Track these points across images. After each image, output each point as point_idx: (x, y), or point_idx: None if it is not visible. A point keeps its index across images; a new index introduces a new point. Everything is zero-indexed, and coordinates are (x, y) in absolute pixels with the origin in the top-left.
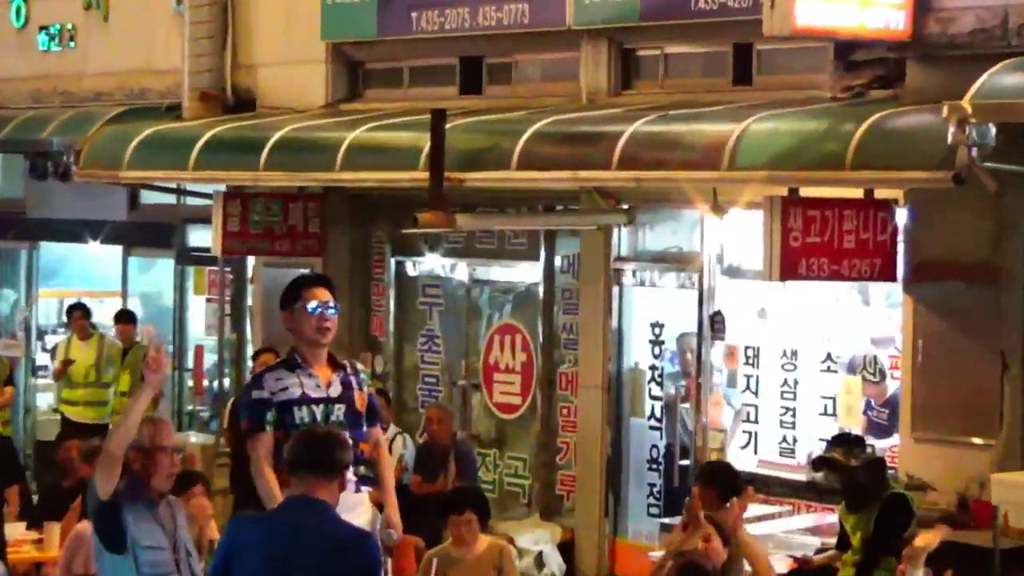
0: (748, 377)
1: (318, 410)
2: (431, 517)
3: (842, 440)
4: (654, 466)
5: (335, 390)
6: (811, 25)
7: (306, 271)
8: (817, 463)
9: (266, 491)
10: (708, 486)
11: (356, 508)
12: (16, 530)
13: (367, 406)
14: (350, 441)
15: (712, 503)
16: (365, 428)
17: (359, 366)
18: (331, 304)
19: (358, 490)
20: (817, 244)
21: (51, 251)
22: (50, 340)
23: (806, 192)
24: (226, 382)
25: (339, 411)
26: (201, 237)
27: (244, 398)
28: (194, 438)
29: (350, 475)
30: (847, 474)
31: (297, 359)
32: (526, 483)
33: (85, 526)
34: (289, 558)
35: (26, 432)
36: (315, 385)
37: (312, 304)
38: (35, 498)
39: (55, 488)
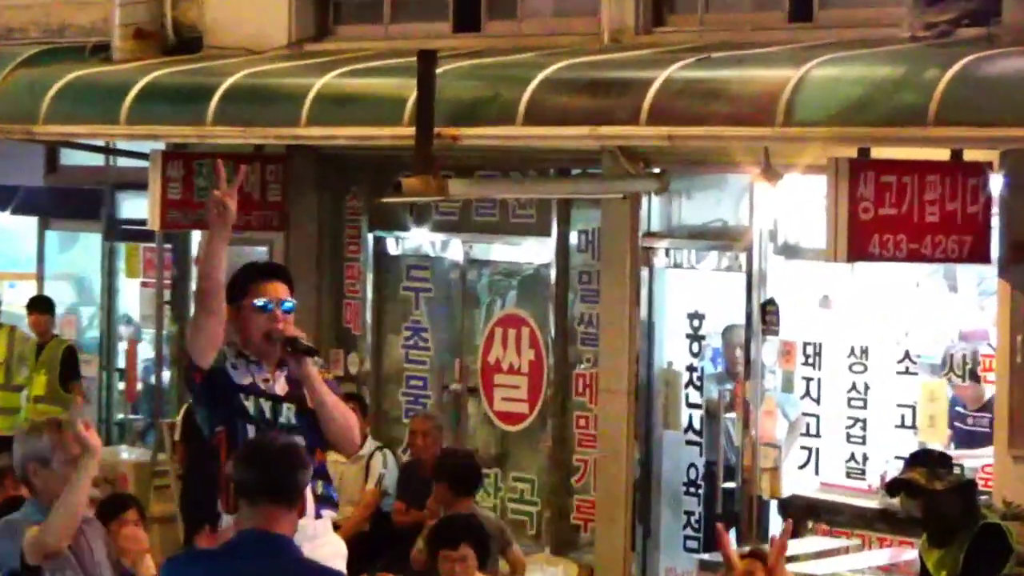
0: (807, 380)
1: (266, 406)
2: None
3: (924, 458)
4: (692, 490)
5: (281, 386)
6: None
7: (263, 251)
8: (893, 486)
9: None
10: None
11: (317, 538)
12: None
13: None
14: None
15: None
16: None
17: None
18: (286, 301)
19: (319, 515)
20: (892, 217)
21: None
22: None
23: (878, 153)
24: (165, 383)
25: (289, 412)
26: (135, 207)
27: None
28: (125, 454)
29: (307, 494)
30: (930, 500)
31: (248, 355)
32: (534, 510)
33: None
34: None
35: None
36: (263, 379)
37: (261, 300)
38: None
39: None
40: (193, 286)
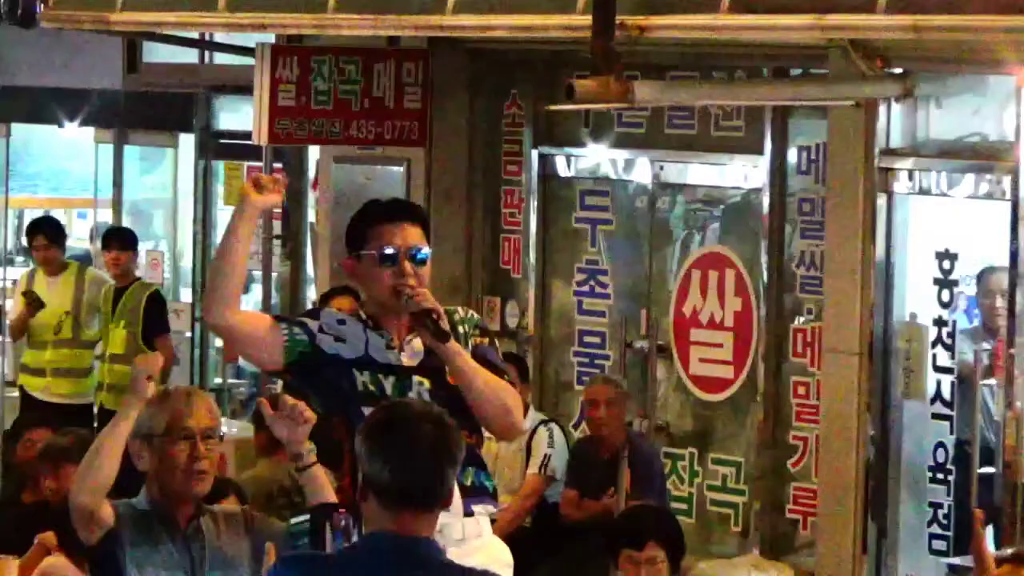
0: None
1: (388, 382)
2: (593, 552)
3: None
4: (940, 476)
5: (409, 354)
6: None
7: (398, 171)
8: None
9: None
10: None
11: (467, 541)
12: None
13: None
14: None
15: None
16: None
17: (472, 312)
18: (419, 249)
19: (469, 512)
20: None
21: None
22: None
23: None
24: None
25: (420, 388)
26: (236, 116)
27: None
28: (224, 428)
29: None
30: None
31: (364, 318)
32: (740, 501)
33: (56, 564)
34: None
35: None
36: (383, 345)
37: (388, 249)
38: None
39: (11, 504)
40: (311, 214)
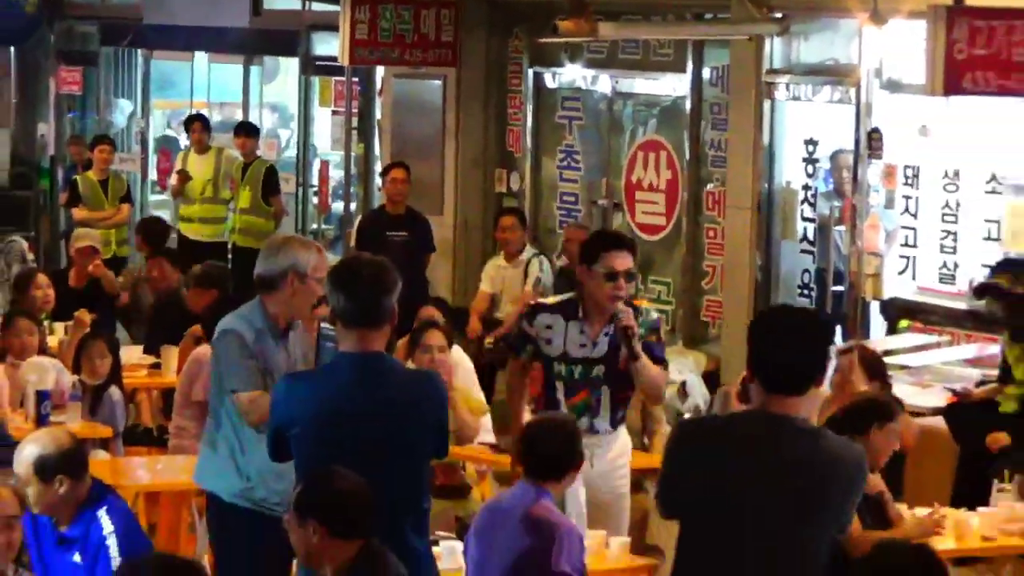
0: (907, 199)
1: (576, 370)
2: None
3: (1008, 265)
4: (805, 292)
5: (600, 350)
6: None
7: (437, 84)
8: (980, 290)
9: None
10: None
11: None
12: (132, 354)
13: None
14: None
15: None
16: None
17: (652, 312)
18: (628, 273)
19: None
20: (983, 56)
21: (167, 59)
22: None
23: (973, 1)
24: (352, 200)
25: (599, 371)
26: (328, 46)
27: (518, 321)
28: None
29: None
30: (1013, 301)
31: (578, 310)
32: (670, 309)
33: (204, 351)
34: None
35: None
36: (580, 344)
37: (610, 272)
38: None
39: (160, 311)
40: (378, 113)
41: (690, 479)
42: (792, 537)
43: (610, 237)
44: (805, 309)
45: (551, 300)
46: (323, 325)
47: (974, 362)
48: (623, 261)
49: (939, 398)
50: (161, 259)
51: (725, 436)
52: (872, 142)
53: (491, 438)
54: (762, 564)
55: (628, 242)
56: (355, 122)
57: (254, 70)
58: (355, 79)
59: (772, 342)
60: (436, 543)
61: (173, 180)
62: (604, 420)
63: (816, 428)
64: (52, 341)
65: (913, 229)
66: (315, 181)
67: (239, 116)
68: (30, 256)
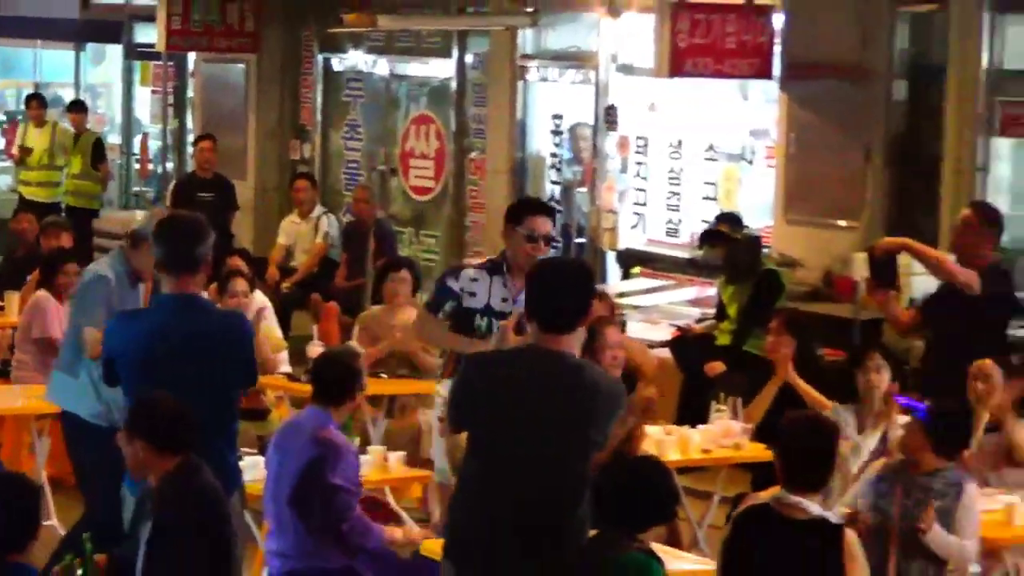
0: (639, 165)
1: (496, 323)
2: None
3: (728, 217)
4: (554, 244)
5: (520, 305)
6: None
7: (241, 67)
8: (705, 236)
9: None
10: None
11: None
12: None
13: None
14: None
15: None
16: None
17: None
18: (548, 236)
19: None
20: (702, 45)
21: (9, 46)
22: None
23: None
24: (168, 166)
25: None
26: (147, 34)
27: (441, 277)
28: (139, 215)
29: None
30: (731, 247)
31: (503, 266)
32: (438, 258)
33: (42, 296)
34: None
35: None
36: (502, 298)
37: (530, 234)
38: None
39: (9, 259)
40: (191, 92)
41: (475, 400)
42: (557, 448)
43: (534, 203)
44: (572, 260)
45: (475, 262)
46: None
47: (694, 302)
48: (543, 224)
49: (665, 333)
50: (30, 214)
51: (506, 366)
52: (609, 117)
53: (288, 368)
54: (531, 469)
55: (549, 209)
56: (171, 100)
57: (83, 55)
58: (171, 63)
59: (546, 289)
60: (241, 458)
61: (14, 151)
62: None
63: (581, 361)
64: None
65: (643, 190)
66: (137, 150)
67: (71, 95)
68: None
